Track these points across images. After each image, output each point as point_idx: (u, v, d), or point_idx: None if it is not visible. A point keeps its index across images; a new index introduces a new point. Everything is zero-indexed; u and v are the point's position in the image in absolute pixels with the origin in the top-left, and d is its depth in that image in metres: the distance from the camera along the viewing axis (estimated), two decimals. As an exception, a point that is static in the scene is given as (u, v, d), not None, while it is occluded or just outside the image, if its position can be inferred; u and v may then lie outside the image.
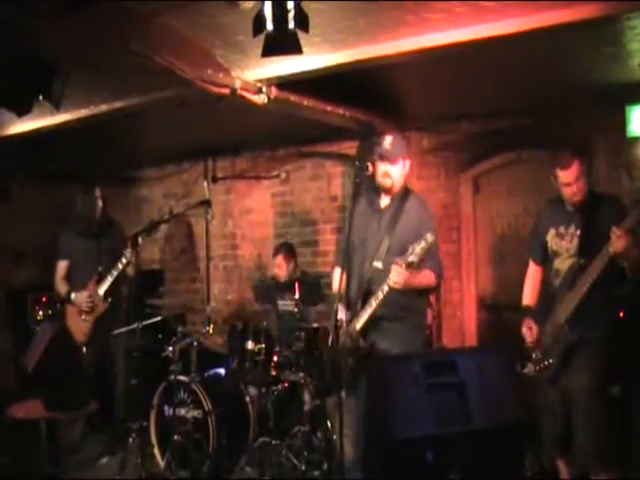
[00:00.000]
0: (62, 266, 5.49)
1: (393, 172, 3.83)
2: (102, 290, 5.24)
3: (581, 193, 3.73)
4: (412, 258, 3.45)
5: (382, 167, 3.82)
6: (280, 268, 5.63)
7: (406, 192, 3.91)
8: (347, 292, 3.87)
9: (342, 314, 3.78)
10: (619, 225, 3.43)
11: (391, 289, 3.56)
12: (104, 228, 5.49)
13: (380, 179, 3.85)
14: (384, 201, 3.92)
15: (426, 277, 3.74)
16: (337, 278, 3.90)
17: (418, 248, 3.45)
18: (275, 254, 5.73)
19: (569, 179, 3.71)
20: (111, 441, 5.36)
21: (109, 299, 5.28)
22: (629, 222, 3.43)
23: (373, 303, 3.66)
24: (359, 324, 3.73)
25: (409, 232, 3.74)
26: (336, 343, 3.63)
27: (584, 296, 3.59)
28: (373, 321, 3.72)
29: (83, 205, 5.40)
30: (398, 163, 3.85)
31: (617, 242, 3.41)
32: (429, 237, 3.45)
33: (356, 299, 3.82)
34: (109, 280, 5.21)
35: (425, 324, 4.14)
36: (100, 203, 5.41)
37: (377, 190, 3.93)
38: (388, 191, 3.87)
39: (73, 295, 5.31)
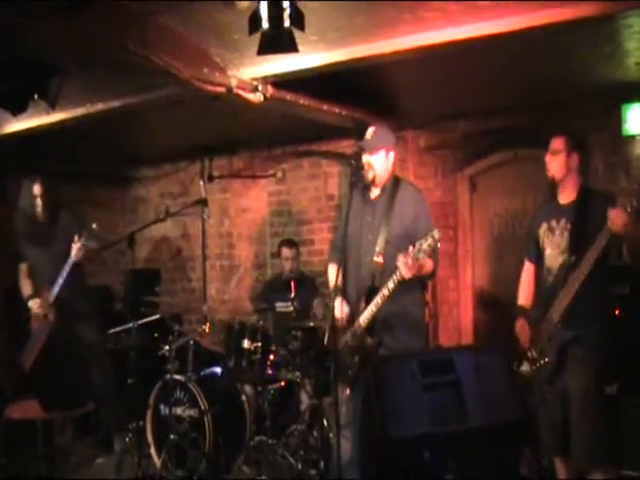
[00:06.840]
0: (23, 268, 5.27)
1: (374, 162, 3.76)
2: (53, 296, 4.93)
3: (555, 170, 3.71)
4: (420, 255, 3.43)
5: (364, 158, 3.77)
6: (288, 259, 5.79)
7: (396, 181, 3.86)
8: (344, 287, 3.84)
9: (339, 311, 3.72)
10: (616, 205, 3.38)
11: (401, 279, 3.53)
12: (52, 227, 5.09)
13: (364, 171, 3.78)
14: (374, 192, 3.87)
15: (427, 265, 3.72)
16: (332, 275, 3.87)
17: (425, 245, 3.41)
18: (280, 247, 5.89)
19: (550, 147, 3.72)
20: (107, 441, 5.35)
21: (59, 304, 4.97)
22: (627, 201, 3.37)
23: (378, 300, 3.61)
24: (364, 321, 3.68)
25: (405, 222, 3.72)
26: (333, 342, 3.60)
27: (577, 293, 3.57)
28: (376, 317, 3.70)
29: (23, 204, 5.00)
30: (378, 154, 3.78)
31: (616, 220, 3.36)
32: (435, 234, 3.42)
33: (358, 295, 3.78)
34: (59, 284, 4.90)
35: (424, 319, 4.12)
36: (40, 201, 4.95)
37: (368, 183, 3.89)
38: (372, 183, 3.82)
39: (30, 302, 5.10)
